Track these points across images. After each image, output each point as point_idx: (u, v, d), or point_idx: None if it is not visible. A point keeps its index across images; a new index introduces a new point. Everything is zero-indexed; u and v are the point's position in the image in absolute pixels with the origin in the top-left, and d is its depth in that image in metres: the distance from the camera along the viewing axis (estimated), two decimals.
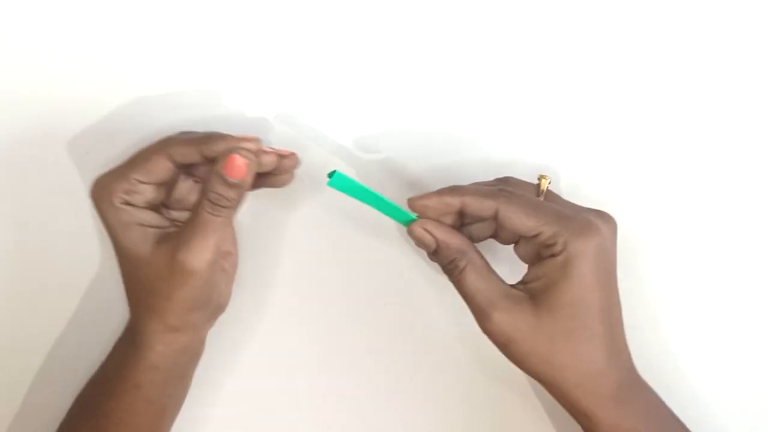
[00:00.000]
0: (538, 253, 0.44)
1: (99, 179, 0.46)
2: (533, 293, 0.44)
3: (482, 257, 0.45)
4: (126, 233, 0.46)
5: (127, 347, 0.47)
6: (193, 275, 0.44)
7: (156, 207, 0.47)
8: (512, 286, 0.44)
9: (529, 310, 0.43)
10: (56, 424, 0.49)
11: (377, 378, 0.53)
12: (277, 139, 0.50)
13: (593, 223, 0.43)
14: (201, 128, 0.48)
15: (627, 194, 0.50)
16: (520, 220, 0.43)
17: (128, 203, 0.46)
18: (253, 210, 0.50)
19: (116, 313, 0.50)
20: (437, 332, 0.52)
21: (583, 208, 0.45)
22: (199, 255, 0.44)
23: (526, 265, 0.45)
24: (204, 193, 0.44)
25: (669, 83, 0.49)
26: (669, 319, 0.51)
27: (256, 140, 0.45)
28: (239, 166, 0.44)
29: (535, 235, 0.43)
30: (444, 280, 0.48)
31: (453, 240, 0.45)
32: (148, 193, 0.46)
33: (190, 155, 0.45)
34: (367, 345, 0.53)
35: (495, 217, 0.44)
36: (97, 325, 0.52)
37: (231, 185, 0.44)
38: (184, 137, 0.46)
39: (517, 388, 0.52)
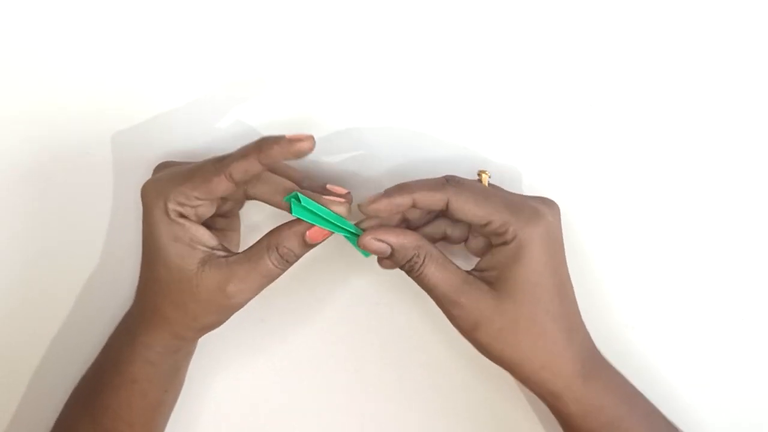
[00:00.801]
0: (488, 243, 0.46)
1: (155, 184, 0.45)
2: (490, 280, 0.45)
3: (437, 248, 0.45)
4: (174, 245, 0.45)
5: (125, 343, 0.48)
6: (233, 309, 0.46)
7: (207, 222, 0.47)
8: (469, 272, 0.45)
9: (490, 295, 0.44)
10: (53, 420, 0.50)
11: (367, 377, 0.53)
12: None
13: (540, 210, 0.45)
14: (201, 127, 0.49)
15: (627, 195, 0.50)
16: (470, 209, 0.44)
17: (183, 216, 0.45)
18: (244, 210, 0.51)
19: (113, 313, 0.51)
20: (427, 332, 0.52)
21: (527, 196, 0.47)
22: (247, 295, 0.46)
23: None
24: (273, 242, 0.45)
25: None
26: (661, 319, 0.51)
27: (310, 139, 0.44)
28: (324, 235, 0.45)
29: (486, 224, 0.44)
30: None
31: (407, 239, 0.45)
32: (203, 208, 0.46)
33: (249, 169, 0.44)
34: (357, 344, 0.53)
35: (445, 210, 0.45)
36: (95, 324, 0.52)
37: (307, 246, 0.45)
38: (238, 152, 0.44)
39: (510, 387, 0.52)
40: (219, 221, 0.50)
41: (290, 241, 0.45)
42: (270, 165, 0.44)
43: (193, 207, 0.45)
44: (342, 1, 0.48)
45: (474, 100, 0.49)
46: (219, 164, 0.44)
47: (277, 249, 0.45)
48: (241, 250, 0.46)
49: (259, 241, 0.45)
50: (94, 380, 0.49)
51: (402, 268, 0.45)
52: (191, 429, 0.53)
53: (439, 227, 0.48)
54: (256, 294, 0.46)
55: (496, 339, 0.44)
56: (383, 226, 0.46)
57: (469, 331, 0.45)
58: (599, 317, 0.49)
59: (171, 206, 0.45)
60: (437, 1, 0.48)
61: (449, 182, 0.45)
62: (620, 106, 0.49)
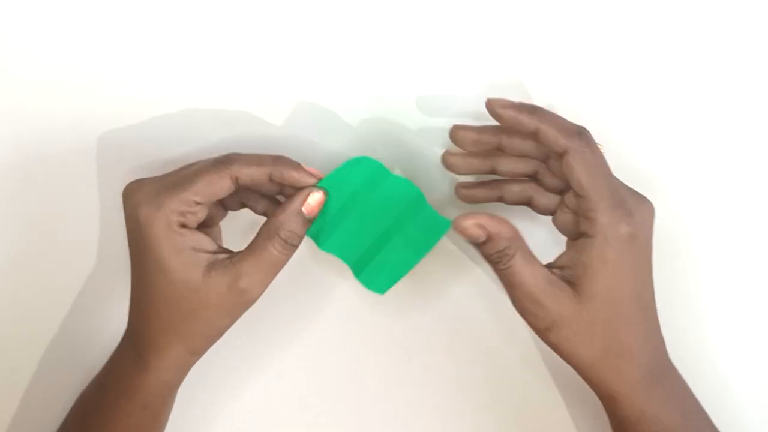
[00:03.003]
0: (576, 224, 0.44)
1: (147, 198, 0.44)
2: (572, 280, 0.43)
3: (525, 242, 0.44)
4: (177, 258, 0.43)
5: (134, 368, 0.46)
6: (246, 306, 0.45)
7: (204, 227, 0.46)
8: (551, 269, 0.44)
9: (570, 298, 0.43)
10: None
11: (367, 377, 0.53)
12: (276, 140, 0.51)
13: (633, 209, 0.43)
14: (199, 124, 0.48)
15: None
16: (581, 174, 0.42)
17: (183, 225, 0.44)
18: (244, 212, 0.50)
19: (112, 318, 0.51)
20: (427, 333, 0.53)
21: (629, 189, 0.44)
22: (260, 288, 0.45)
23: None
24: (273, 229, 0.44)
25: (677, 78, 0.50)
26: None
27: (319, 175, 0.45)
28: (319, 203, 0.45)
29: (582, 199, 0.43)
30: (430, 281, 0.51)
31: (504, 229, 0.43)
32: (201, 213, 0.44)
33: (257, 177, 0.44)
34: (357, 344, 0.53)
35: (555, 163, 0.44)
36: (94, 328, 0.52)
37: (308, 222, 0.45)
38: (249, 157, 0.44)
39: (511, 387, 0.52)
40: (207, 221, 0.48)
41: (290, 224, 0.44)
42: (277, 181, 0.44)
43: (193, 213, 0.44)
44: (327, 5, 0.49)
45: (474, 99, 0.49)
46: (221, 166, 0.44)
47: (278, 235, 0.44)
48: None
49: (259, 233, 0.45)
50: (96, 404, 0.48)
51: (489, 258, 0.44)
52: (186, 428, 0.53)
53: (527, 191, 0.47)
54: (268, 285, 0.45)
55: (570, 341, 0.44)
56: (485, 213, 0.43)
57: (542, 330, 0.44)
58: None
59: (173, 217, 0.43)
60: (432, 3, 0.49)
61: (581, 136, 0.43)
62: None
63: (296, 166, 0.45)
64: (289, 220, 0.44)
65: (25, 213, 0.52)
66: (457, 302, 0.52)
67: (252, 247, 0.45)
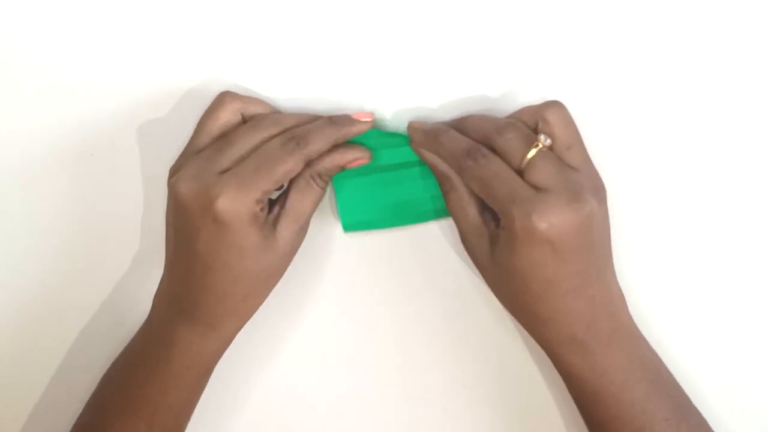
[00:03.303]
0: None
1: (225, 190, 0.44)
2: (494, 240, 0.46)
3: (466, 188, 0.47)
4: (262, 242, 0.46)
5: (192, 337, 0.48)
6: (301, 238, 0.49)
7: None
8: (485, 221, 0.47)
9: (488, 254, 0.47)
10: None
11: (367, 377, 0.54)
12: None
13: (555, 200, 0.43)
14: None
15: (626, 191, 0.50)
16: (477, 190, 0.46)
17: (262, 209, 0.46)
18: None
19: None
20: (427, 332, 0.53)
21: (563, 178, 0.44)
22: (309, 215, 0.49)
23: None
24: (310, 168, 0.47)
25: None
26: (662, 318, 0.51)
27: (370, 117, 0.49)
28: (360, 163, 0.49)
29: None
30: (433, 278, 0.52)
31: (438, 164, 0.48)
32: (266, 198, 0.47)
33: (323, 151, 0.47)
34: (357, 344, 0.53)
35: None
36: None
37: (364, 124, 0.48)
38: (314, 133, 0.46)
39: (513, 387, 0.52)
40: None
41: (330, 169, 0.48)
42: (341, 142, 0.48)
43: (264, 203, 0.46)
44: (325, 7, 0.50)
45: (474, 98, 0.50)
46: (294, 152, 0.45)
47: (320, 176, 0.48)
48: None
49: (297, 178, 0.47)
50: (138, 364, 0.50)
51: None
52: (192, 429, 0.53)
53: None
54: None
55: (493, 289, 0.48)
56: (435, 142, 0.47)
57: (476, 264, 0.48)
58: None
59: (257, 208, 0.45)
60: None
61: (469, 154, 0.46)
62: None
63: (352, 122, 0.48)
64: (331, 166, 0.48)
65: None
66: (457, 302, 0.53)
67: (296, 189, 0.48)
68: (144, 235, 0.53)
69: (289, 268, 0.49)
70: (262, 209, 0.46)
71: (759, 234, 0.50)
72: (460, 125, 0.48)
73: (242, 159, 0.46)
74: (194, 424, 0.51)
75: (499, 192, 0.44)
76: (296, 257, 0.49)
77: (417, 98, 0.51)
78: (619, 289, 0.47)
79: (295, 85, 0.51)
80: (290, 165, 0.45)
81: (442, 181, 0.48)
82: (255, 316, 0.50)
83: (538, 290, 0.45)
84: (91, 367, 0.53)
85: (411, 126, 0.49)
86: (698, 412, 0.47)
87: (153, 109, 0.51)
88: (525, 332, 0.48)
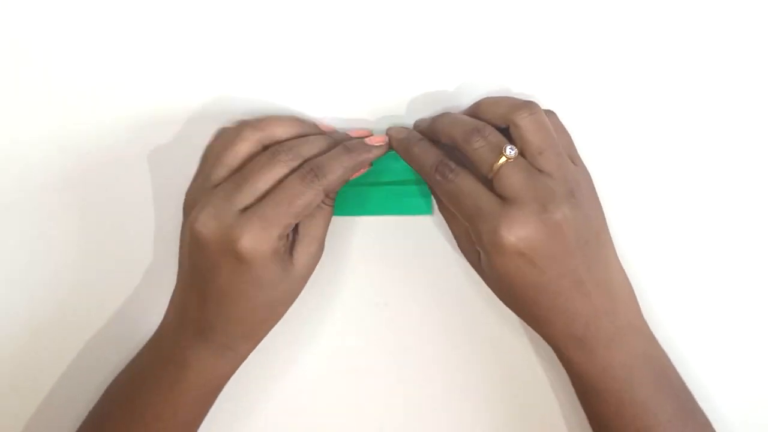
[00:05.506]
0: None
1: (248, 230, 0.44)
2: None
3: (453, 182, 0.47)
4: (282, 273, 0.46)
5: (211, 359, 0.48)
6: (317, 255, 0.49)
7: None
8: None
9: (477, 258, 0.47)
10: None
11: (367, 377, 0.54)
12: None
13: (528, 209, 0.43)
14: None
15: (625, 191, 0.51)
16: (447, 203, 0.47)
17: (279, 251, 0.46)
18: None
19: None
20: (428, 332, 0.53)
21: (535, 184, 0.44)
22: (324, 233, 0.49)
23: None
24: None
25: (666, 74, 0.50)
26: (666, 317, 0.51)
27: (384, 142, 0.49)
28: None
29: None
30: (431, 280, 0.52)
31: (418, 170, 0.48)
32: (288, 231, 0.46)
33: (343, 175, 0.47)
34: (357, 344, 0.53)
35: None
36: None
37: (378, 149, 0.48)
38: (331, 164, 0.46)
39: (513, 386, 0.53)
40: None
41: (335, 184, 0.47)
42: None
43: (287, 233, 0.46)
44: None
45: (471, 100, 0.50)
46: (314, 185, 0.45)
47: (329, 197, 0.48)
48: None
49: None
50: (147, 384, 0.49)
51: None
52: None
53: None
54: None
55: (491, 288, 0.48)
56: (416, 146, 0.48)
57: (472, 266, 0.49)
58: None
59: (279, 244, 0.45)
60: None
61: (437, 169, 0.46)
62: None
63: (368, 148, 0.48)
64: (338, 186, 0.47)
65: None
66: (457, 301, 0.53)
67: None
68: (156, 247, 0.52)
69: None
70: (282, 243, 0.46)
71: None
72: (432, 127, 0.48)
73: (262, 195, 0.45)
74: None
75: (466, 208, 0.45)
76: None
77: (413, 101, 0.51)
78: (626, 287, 0.47)
79: (295, 92, 0.51)
80: (310, 198, 0.45)
81: (432, 172, 0.47)
82: None
83: (527, 294, 0.45)
84: (96, 380, 0.53)
85: (388, 133, 0.49)
86: (704, 415, 0.48)
87: (163, 121, 0.51)
88: (528, 330, 0.48)
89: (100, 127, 0.51)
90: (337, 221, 0.51)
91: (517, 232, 0.43)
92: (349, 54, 0.50)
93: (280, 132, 0.47)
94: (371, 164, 0.48)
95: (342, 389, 0.54)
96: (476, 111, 0.48)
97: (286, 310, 0.49)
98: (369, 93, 0.51)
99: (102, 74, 0.50)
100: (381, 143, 0.48)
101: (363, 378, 0.54)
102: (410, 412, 0.54)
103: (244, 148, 0.47)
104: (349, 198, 0.51)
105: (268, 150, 0.46)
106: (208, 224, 0.45)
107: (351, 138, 0.49)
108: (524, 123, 0.45)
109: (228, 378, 0.50)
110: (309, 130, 0.49)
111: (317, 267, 0.51)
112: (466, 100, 0.49)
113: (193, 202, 0.47)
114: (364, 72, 0.50)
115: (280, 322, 0.52)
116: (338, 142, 0.48)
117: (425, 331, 0.53)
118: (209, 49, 0.50)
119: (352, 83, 0.51)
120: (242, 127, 0.47)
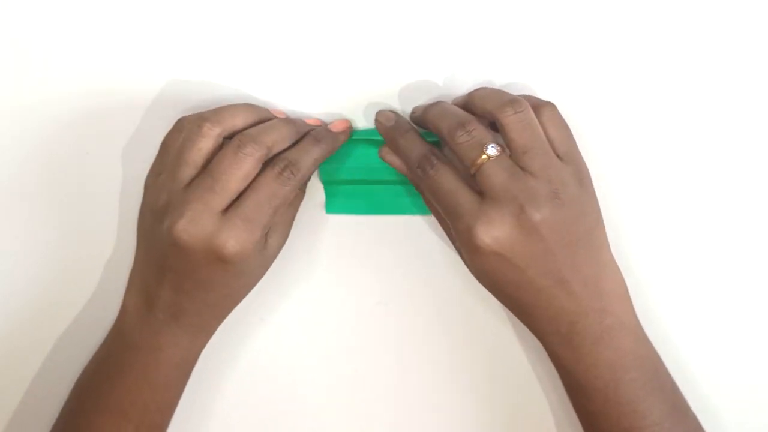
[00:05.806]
0: None
1: (235, 237, 0.45)
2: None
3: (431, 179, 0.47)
4: (262, 262, 0.48)
5: (180, 340, 0.49)
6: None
7: None
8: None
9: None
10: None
11: (367, 377, 0.54)
12: None
13: (505, 207, 0.43)
14: None
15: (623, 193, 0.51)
16: (430, 198, 0.47)
17: (260, 243, 0.47)
18: None
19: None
20: (427, 332, 0.53)
21: (521, 186, 0.44)
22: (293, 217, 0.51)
23: None
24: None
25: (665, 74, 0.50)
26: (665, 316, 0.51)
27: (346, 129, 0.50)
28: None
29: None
30: (430, 281, 0.51)
31: (402, 170, 0.49)
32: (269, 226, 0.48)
33: (315, 167, 0.48)
34: (357, 344, 0.53)
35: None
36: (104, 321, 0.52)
37: (344, 133, 0.49)
38: (304, 158, 0.47)
39: (514, 386, 0.53)
40: None
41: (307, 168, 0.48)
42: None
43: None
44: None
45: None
46: (291, 184, 0.46)
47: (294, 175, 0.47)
48: None
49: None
50: (120, 368, 0.49)
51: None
52: (192, 429, 0.53)
53: None
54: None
55: (479, 281, 0.48)
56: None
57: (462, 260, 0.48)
58: None
59: (263, 240, 0.47)
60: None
61: (419, 166, 0.46)
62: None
63: (335, 136, 0.49)
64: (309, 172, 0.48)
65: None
66: (457, 301, 0.53)
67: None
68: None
69: (283, 264, 0.50)
70: (262, 236, 0.47)
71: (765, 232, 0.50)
72: (423, 116, 0.48)
73: (236, 193, 0.45)
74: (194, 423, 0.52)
75: (445, 204, 0.45)
76: (290, 256, 0.51)
77: (410, 98, 0.51)
78: (619, 286, 0.47)
79: (280, 85, 0.51)
80: (288, 194, 0.47)
81: (416, 167, 0.47)
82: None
83: (509, 290, 0.46)
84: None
85: (377, 119, 0.49)
86: (696, 419, 0.47)
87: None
88: (521, 328, 0.48)
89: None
90: (338, 221, 0.51)
91: (493, 232, 0.43)
92: (339, 46, 0.50)
93: (239, 122, 0.47)
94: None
95: (342, 389, 0.54)
96: (468, 102, 0.47)
97: (255, 286, 0.50)
98: (360, 86, 0.51)
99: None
100: (345, 126, 0.50)
101: (363, 378, 0.54)
102: (410, 411, 0.54)
103: (206, 144, 0.46)
104: (349, 197, 0.51)
105: (232, 143, 0.46)
106: (189, 230, 0.45)
107: (305, 122, 0.49)
108: (508, 121, 0.45)
109: (199, 354, 0.50)
110: (264, 115, 0.49)
111: (317, 267, 0.52)
112: (462, 93, 0.49)
113: (162, 202, 0.46)
114: (356, 64, 0.50)
115: (280, 323, 0.53)
116: (297, 125, 0.48)
117: (425, 331, 0.53)
118: (196, 44, 0.50)
119: (342, 76, 0.50)
120: (201, 122, 0.46)
